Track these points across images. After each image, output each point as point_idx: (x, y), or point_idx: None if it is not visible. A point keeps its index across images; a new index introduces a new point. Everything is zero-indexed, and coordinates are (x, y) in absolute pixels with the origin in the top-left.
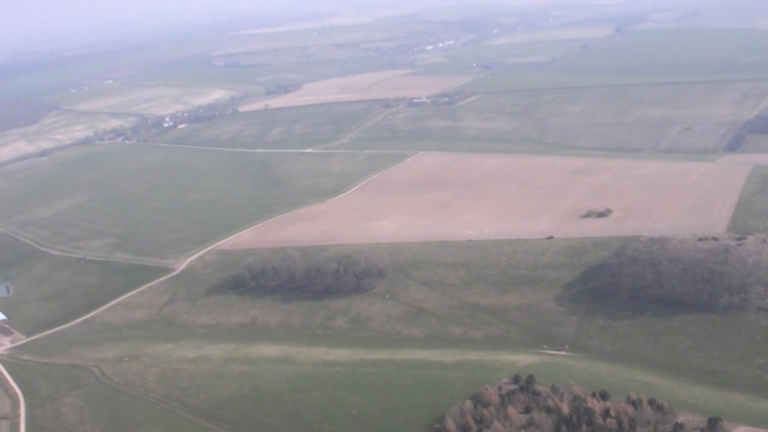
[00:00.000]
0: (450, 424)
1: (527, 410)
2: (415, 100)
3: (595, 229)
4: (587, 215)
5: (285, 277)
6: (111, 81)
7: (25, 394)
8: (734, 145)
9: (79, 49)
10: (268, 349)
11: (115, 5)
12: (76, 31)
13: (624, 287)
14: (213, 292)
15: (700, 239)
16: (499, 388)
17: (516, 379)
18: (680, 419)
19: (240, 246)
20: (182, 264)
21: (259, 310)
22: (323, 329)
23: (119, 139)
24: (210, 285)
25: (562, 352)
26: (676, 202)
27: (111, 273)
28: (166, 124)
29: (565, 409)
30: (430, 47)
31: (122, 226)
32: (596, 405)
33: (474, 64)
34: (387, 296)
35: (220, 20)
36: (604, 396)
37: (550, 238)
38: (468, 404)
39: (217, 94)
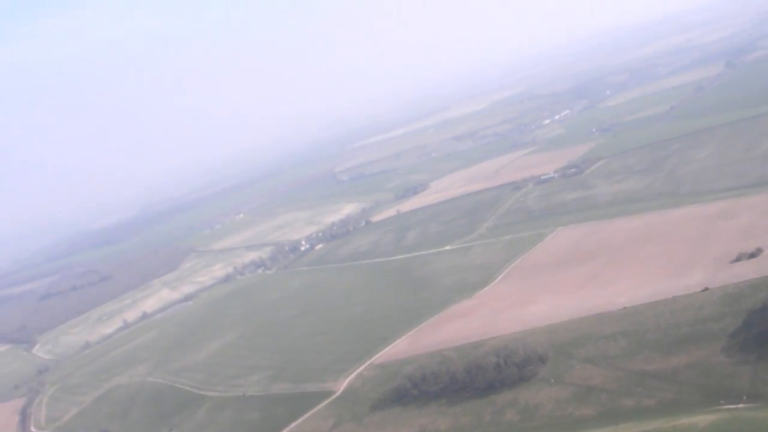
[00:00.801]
0: None
1: None
2: (543, 177)
3: (748, 271)
4: (738, 259)
5: (446, 380)
6: (242, 215)
7: None
8: None
9: (204, 189)
10: None
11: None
12: (198, 172)
13: None
14: (377, 407)
15: None
16: None
17: None
18: None
19: (396, 356)
20: (342, 384)
21: (426, 419)
22: (494, 425)
23: (259, 271)
24: (373, 401)
25: (740, 405)
26: None
27: (272, 406)
28: (302, 248)
29: None
30: (546, 121)
31: (276, 356)
32: None
33: (593, 130)
34: (552, 381)
35: (336, 137)
36: None
37: (705, 289)
38: None
39: (347, 209)
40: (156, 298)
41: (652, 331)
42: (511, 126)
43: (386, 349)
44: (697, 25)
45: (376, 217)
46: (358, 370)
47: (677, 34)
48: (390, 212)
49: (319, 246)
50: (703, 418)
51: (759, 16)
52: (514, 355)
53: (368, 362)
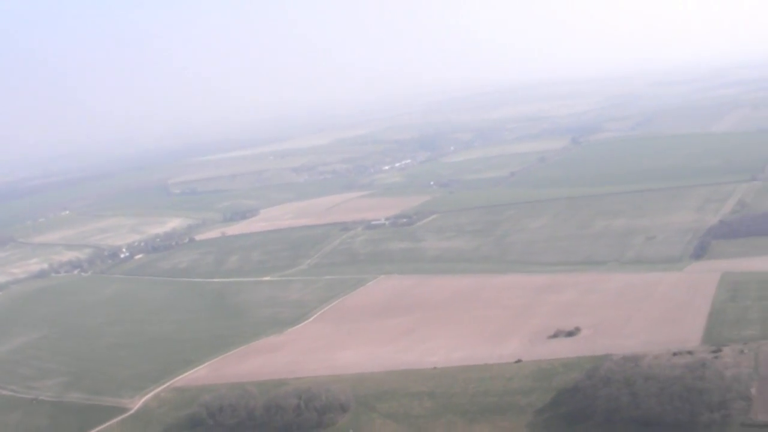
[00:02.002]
0: None
1: None
2: (374, 222)
3: (564, 349)
4: (555, 335)
5: (243, 415)
6: (68, 212)
7: None
8: (700, 252)
9: (39, 179)
10: None
11: (75, 134)
12: (37, 160)
13: (598, 410)
14: None
15: (675, 354)
16: None
17: None
18: None
19: (197, 382)
20: (137, 403)
21: None
22: None
23: (75, 272)
24: (166, 425)
25: None
26: (646, 315)
27: (63, 414)
28: (122, 255)
29: None
30: (387, 167)
31: (76, 363)
32: None
33: (432, 183)
34: (351, 431)
35: (179, 147)
36: None
37: (519, 361)
38: None
39: (173, 223)
40: None
41: (459, 396)
42: (350, 166)
43: (188, 373)
44: (550, 96)
45: (201, 236)
46: (156, 390)
47: (530, 103)
48: (215, 233)
49: (139, 256)
50: None
51: (608, 100)
52: (316, 400)
53: (168, 383)
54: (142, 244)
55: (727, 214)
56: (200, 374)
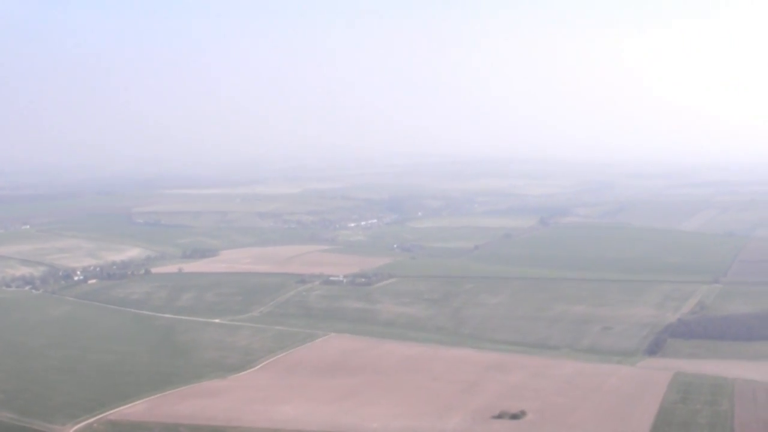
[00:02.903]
0: None
1: None
2: (332, 278)
3: (506, 431)
4: (500, 416)
5: None
6: (28, 227)
7: None
8: (654, 349)
9: (6, 190)
10: None
11: (50, 152)
12: (9, 170)
13: None
14: None
15: None
16: None
17: None
18: None
19: (131, 417)
20: (68, 431)
21: None
22: None
23: (27, 288)
24: None
25: None
26: (594, 407)
27: None
28: (76, 278)
29: None
30: (352, 224)
31: (12, 381)
32: None
33: (395, 246)
34: None
35: (149, 176)
36: None
37: None
38: None
39: (132, 252)
40: None
41: None
42: (316, 218)
43: (124, 407)
44: (524, 174)
45: (158, 269)
46: (89, 421)
47: (503, 178)
48: (172, 268)
49: (93, 281)
50: None
51: (582, 184)
52: None
53: (102, 415)
54: (98, 269)
55: (685, 314)
56: (136, 410)
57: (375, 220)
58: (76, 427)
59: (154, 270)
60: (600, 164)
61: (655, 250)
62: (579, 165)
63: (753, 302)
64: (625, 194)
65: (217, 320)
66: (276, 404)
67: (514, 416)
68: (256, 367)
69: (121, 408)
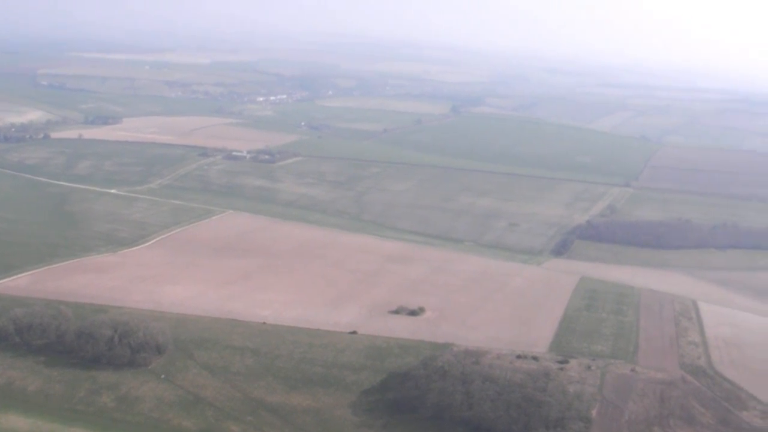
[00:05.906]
0: None
1: None
2: (234, 153)
3: (404, 329)
4: (397, 311)
5: (53, 337)
6: None
7: None
8: (561, 249)
9: None
10: (19, 422)
11: None
12: None
13: (429, 403)
14: None
15: (519, 357)
16: None
17: None
18: None
19: (13, 292)
20: None
21: (17, 372)
22: (85, 404)
23: None
24: None
25: None
26: (496, 308)
27: None
28: None
29: None
30: (261, 98)
31: None
32: None
33: (302, 123)
34: (163, 376)
35: (58, 38)
36: None
37: (354, 333)
38: None
39: (33, 115)
40: None
41: (284, 359)
42: (224, 91)
43: (7, 280)
44: (437, 60)
45: (58, 134)
46: None
47: (415, 62)
48: (73, 133)
49: None
50: None
51: (496, 76)
52: (132, 336)
53: None
54: None
55: (595, 216)
56: (19, 283)
57: (284, 96)
58: None
59: (53, 135)
60: (514, 57)
61: (567, 148)
62: (495, 57)
63: (662, 209)
64: (540, 89)
65: (113, 190)
66: (164, 284)
67: (413, 312)
68: (148, 243)
69: (4, 281)
